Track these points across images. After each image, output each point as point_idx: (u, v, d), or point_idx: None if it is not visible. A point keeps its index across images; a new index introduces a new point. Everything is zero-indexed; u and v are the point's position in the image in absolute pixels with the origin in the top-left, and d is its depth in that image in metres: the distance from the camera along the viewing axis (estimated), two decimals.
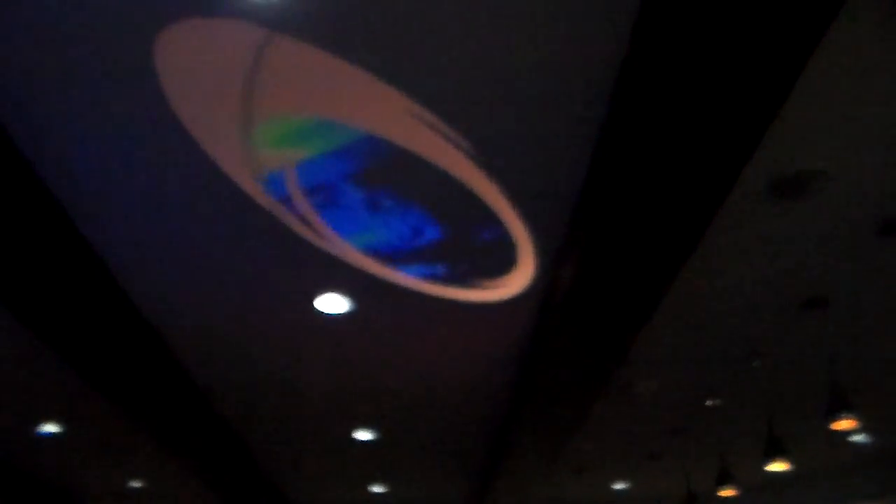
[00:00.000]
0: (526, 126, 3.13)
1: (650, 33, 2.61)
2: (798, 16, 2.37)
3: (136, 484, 9.34)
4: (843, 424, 4.67)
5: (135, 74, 2.86)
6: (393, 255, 4.02)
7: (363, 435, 7.30)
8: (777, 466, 5.77)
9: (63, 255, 3.84)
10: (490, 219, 3.73)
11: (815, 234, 3.93)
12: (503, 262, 4.13)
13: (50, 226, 3.66)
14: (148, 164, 3.35)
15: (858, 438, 8.25)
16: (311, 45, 2.71)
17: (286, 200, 3.57)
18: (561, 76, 2.89)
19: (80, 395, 6.11)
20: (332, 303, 4.49)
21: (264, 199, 3.58)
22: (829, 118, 3.12)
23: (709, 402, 6.62)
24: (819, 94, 2.98)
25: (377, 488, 9.80)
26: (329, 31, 2.66)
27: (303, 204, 3.60)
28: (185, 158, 3.31)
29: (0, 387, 5.93)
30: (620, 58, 2.82)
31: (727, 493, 6.86)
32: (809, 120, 3.11)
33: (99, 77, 2.87)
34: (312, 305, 4.53)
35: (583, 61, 2.83)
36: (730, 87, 2.69)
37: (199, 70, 2.84)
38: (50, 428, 6.94)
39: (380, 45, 2.73)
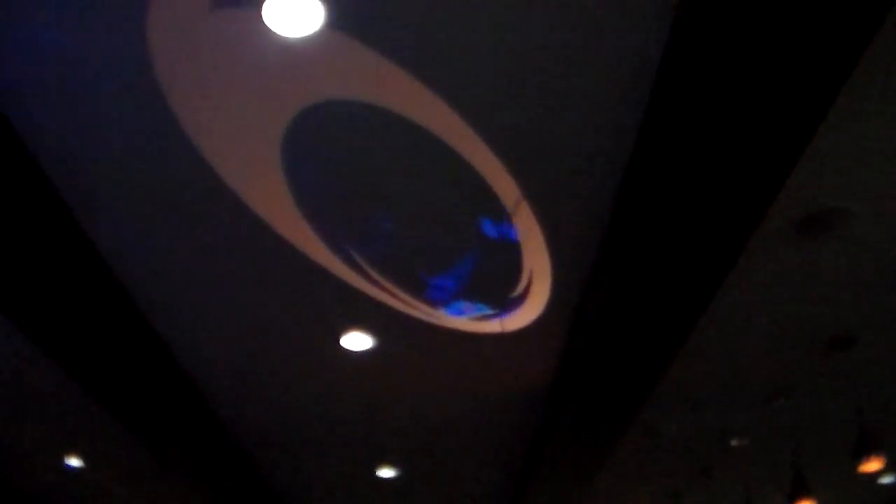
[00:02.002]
0: (556, 154, 3.16)
1: (677, 71, 2.64)
2: (825, 53, 2.39)
3: None
4: (871, 466, 4.61)
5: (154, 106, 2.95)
6: (417, 288, 4.05)
7: (386, 472, 7.27)
8: None
9: (92, 292, 3.90)
10: (514, 248, 3.75)
11: (841, 273, 3.92)
12: (524, 291, 4.14)
13: (82, 264, 3.73)
14: (176, 204, 3.42)
15: (887, 480, 8.11)
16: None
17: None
18: (593, 103, 2.93)
19: (105, 430, 6.14)
20: (357, 340, 4.52)
21: (296, 237, 3.63)
22: (854, 156, 3.13)
23: (734, 442, 6.55)
24: (845, 133, 3.00)
25: None
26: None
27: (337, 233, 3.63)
28: (211, 195, 3.38)
29: (26, 420, 5.98)
30: (648, 93, 2.86)
31: None
32: (835, 158, 3.13)
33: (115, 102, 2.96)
34: (339, 343, 4.55)
35: (614, 92, 2.87)
36: (755, 126, 2.72)
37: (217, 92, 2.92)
38: (74, 462, 6.96)
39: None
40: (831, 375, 5.17)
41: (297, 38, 2.64)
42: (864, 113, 2.91)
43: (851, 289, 4.05)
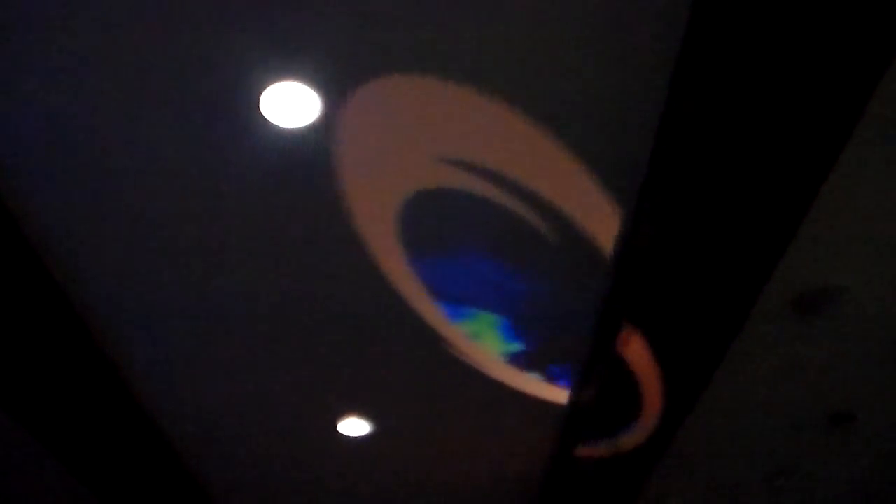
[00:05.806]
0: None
1: (672, 148, 2.67)
2: (818, 130, 2.43)
3: None
4: None
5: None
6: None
7: None
8: None
9: (73, 356, 3.79)
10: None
11: (839, 349, 3.91)
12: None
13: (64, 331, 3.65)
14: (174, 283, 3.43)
15: None
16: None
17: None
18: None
19: None
20: (354, 426, 4.46)
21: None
22: (849, 234, 3.15)
23: None
24: (840, 210, 3.01)
25: None
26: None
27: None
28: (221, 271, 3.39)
29: None
30: (642, 177, 2.89)
31: None
32: (830, 236, 3.15)
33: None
34: (336, 429, 4.49)
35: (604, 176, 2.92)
36: (747, 207, 2.75)
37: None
38: None
39: None
40: (833, 453, 5.11)
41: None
42: (859, 190, 2.94)
43: (850, 365, 4.04)
